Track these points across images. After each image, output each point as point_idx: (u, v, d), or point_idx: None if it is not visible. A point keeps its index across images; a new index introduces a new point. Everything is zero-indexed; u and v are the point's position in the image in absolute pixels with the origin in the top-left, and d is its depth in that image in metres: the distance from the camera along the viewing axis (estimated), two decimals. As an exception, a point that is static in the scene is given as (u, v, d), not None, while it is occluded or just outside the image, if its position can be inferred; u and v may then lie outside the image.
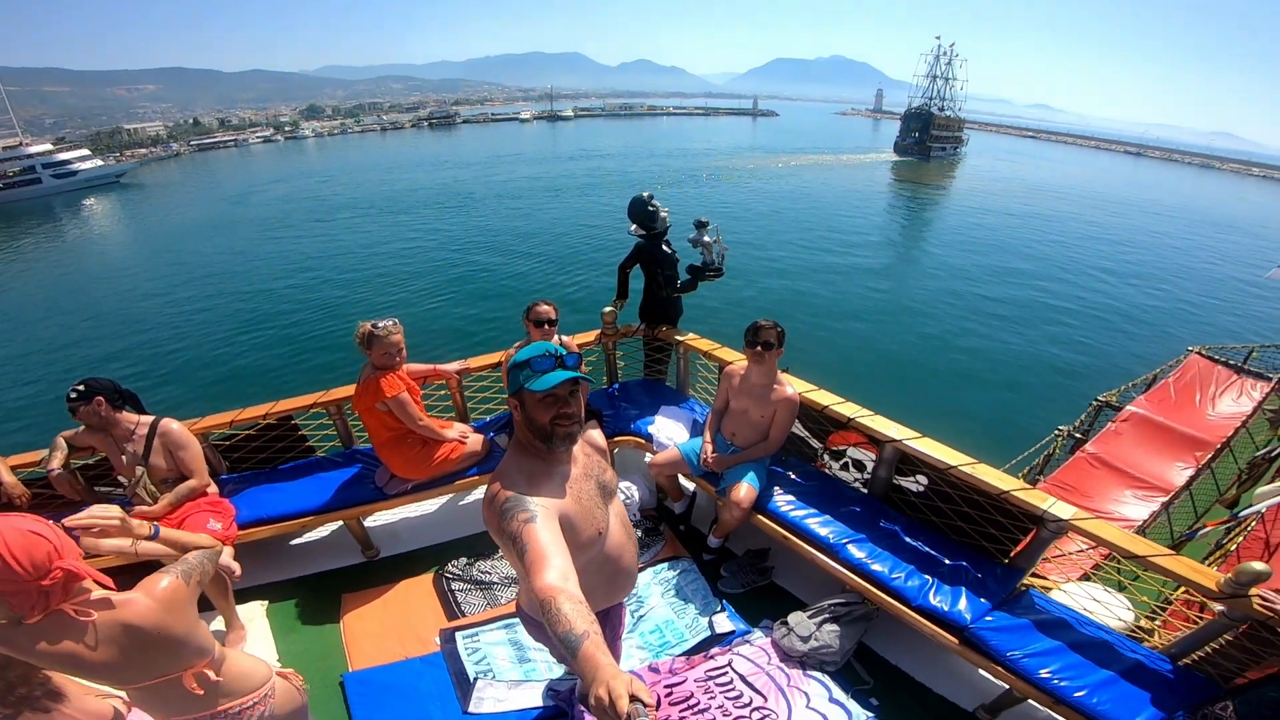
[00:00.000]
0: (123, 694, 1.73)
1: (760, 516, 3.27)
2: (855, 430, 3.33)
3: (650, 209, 3.95)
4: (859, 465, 3.79)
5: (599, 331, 4.33)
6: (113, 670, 1.56)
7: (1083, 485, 6.82)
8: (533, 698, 2.67)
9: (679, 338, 4.20)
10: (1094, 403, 9.33)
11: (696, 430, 3.87)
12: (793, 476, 3.49)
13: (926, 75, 74.75)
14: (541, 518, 1.47)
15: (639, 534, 3.65)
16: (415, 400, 3.38)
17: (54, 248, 34.46)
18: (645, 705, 1.03)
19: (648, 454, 3.90)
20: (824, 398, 3.40)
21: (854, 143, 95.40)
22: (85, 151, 66.66)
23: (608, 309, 4.25)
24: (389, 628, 3.15)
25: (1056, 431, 8.95)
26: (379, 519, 3.90)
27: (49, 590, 1.44)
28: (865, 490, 3.47)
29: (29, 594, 1.42)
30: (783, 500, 3.31)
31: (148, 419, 3.03)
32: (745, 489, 3.20)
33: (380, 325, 3.19)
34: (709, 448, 3.41)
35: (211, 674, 1.73)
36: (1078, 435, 8.81)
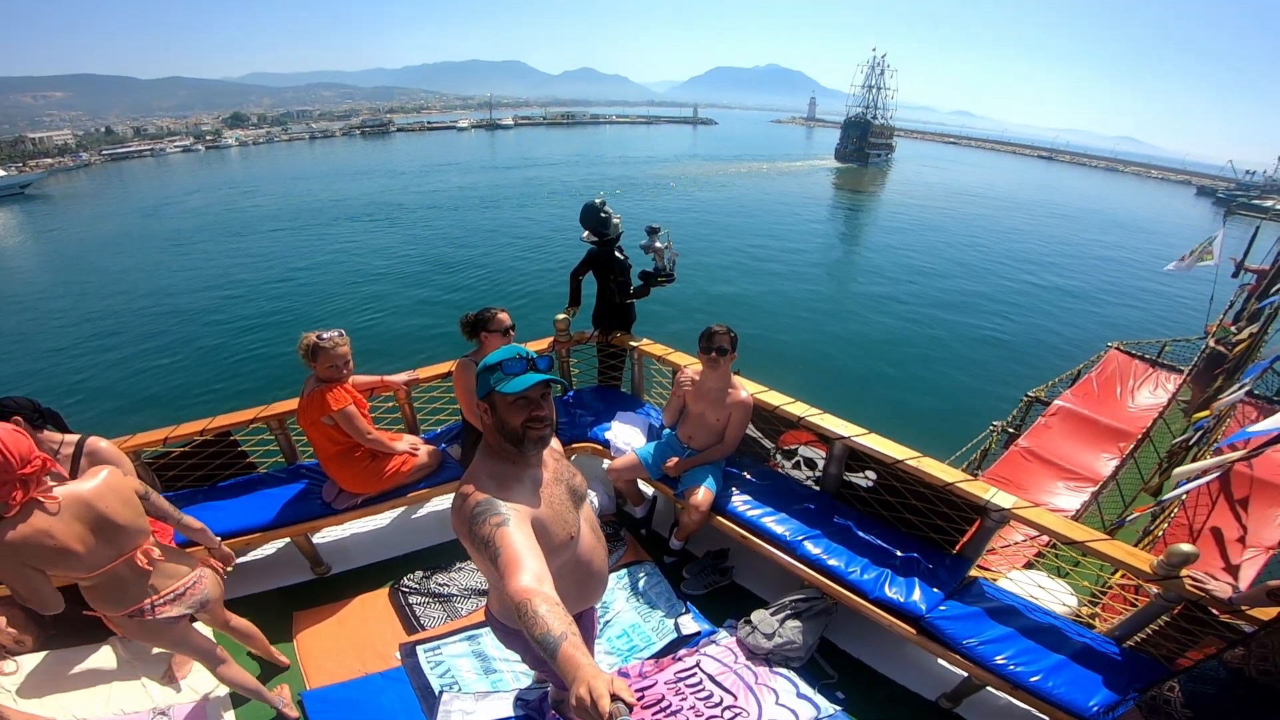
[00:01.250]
0: None
1: (719, 518, 3.31)
2: (806, 429, 3.41)
3: (603, 215, 3.95)
4: (810, 463, 3.87)
5: (552, 339, 4.29)
6: (84, 549, 1.87)
7: (1018, 478, 7.08)
8: (502, 708, 2.62)
9: (633, 343, 4.21)
10: (1025, 398, 9.72)
11: (653, 435, 3.89)
12: (748, 477, 3.54)
13: (863, 85, 77.37)
14: (514, 521, 1.45)
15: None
16: (363, 413, 3.28)
17: (-48, 263, 31.96)
18: (627, 704, 1.03)
19: (605, 460, 3.89)
20: (775, 398, 3.48)
21: (790, 150, 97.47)
22: (-14, 161, 62.41)
23: (561, 316, 4.21)
24: (346, 644, 3.05)
25: (991, 427, 9.28)
26: (328, 535, 3.76)
27: (29, 478, 1.76)
28: (817, 487, 3.55)
29: (13, 483, 1.73)
30: (739, 501, 3.36)
31: (73, 437, 2.83)
32: (703, 492, 3.23)
33: (325, 336, 3.08)
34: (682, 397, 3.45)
35: (155, 550, 2.11)
36: (1011, 430, 9.15)
